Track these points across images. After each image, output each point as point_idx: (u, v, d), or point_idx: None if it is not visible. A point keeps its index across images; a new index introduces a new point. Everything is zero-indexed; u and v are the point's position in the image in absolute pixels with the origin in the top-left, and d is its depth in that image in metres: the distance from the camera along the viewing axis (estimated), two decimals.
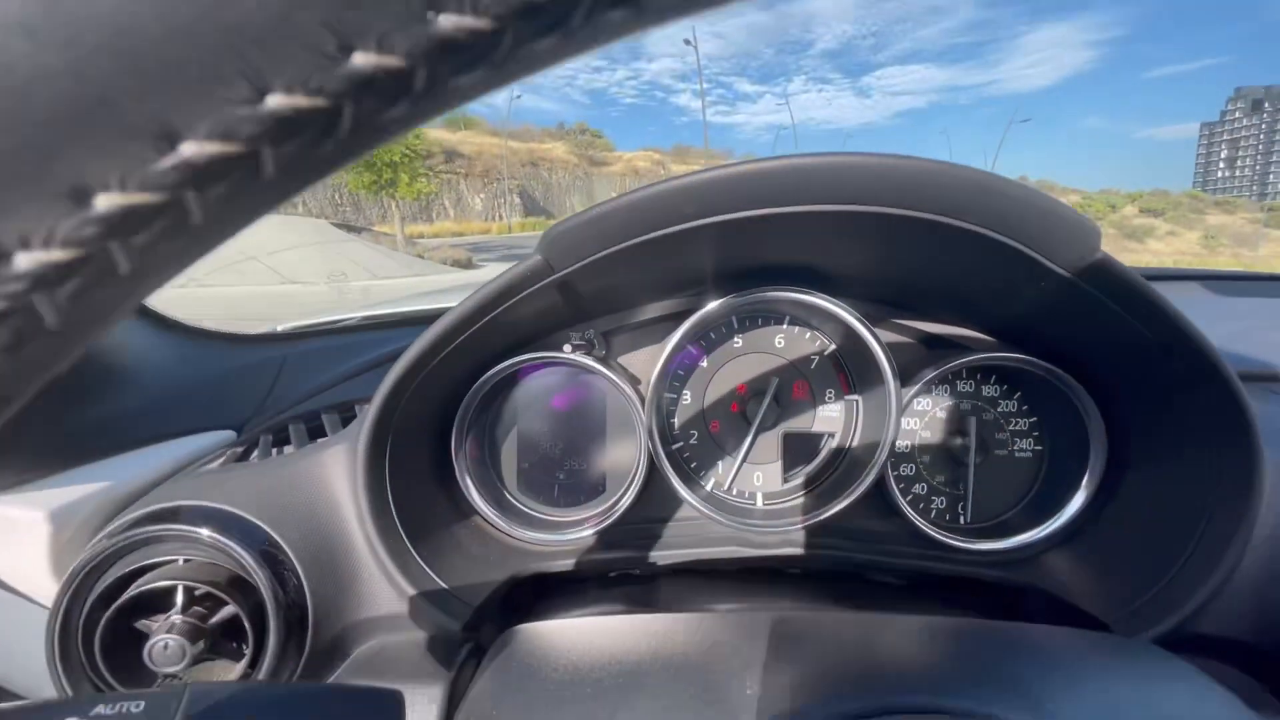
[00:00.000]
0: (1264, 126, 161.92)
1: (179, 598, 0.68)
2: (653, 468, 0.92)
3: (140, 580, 0.68)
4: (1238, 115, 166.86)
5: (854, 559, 0.92)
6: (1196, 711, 0.51)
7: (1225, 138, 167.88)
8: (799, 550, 0.92)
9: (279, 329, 1.37)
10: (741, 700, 0.50)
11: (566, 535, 0.93)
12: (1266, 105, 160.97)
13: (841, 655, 0.56)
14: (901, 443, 0.98)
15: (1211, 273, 1.71)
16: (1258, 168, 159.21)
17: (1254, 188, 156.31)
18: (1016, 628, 0.61)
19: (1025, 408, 0.96)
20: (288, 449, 0.90)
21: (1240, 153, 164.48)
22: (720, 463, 1.00)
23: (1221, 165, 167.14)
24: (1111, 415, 0.85)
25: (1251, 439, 0.67)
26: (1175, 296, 0.66)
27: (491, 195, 55.52)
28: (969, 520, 0.96)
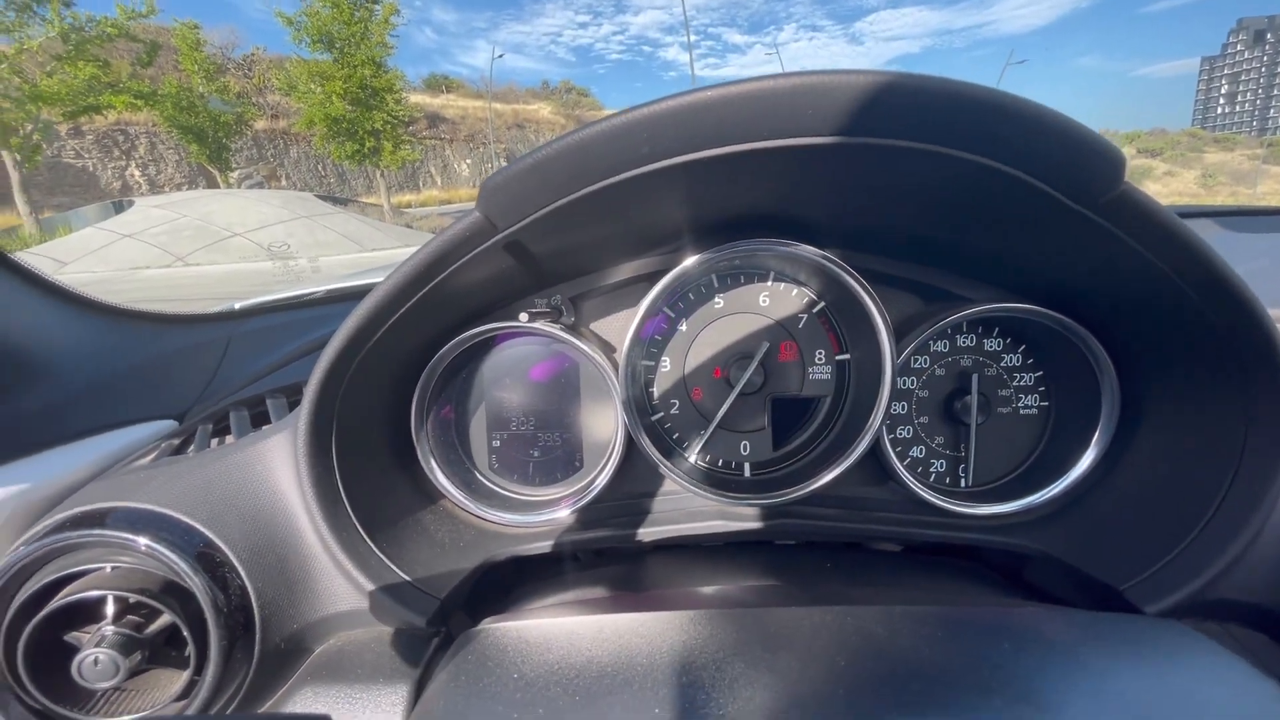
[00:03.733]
0: (1266, 59, 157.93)
1: (109, 608, 0.62)
2: (631, 441, 0.85)
3: (65, 590, 0.62)
4: (1239, 48, 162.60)
5: (848, 529, 0.87)
6: (1213, 690, 0.46)
7: (1226, 72, 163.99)
8: (790, 522, 0.87)
9: (236, 306, 1.28)
10: (708, 711, 0.44)
11: (542, 515, 0.87)
12: (1269, 37, 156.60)
13: (820, 660, 0.50)
14: (898, 404, 0.92)
15: (1225, 209, 1.62)
16: (1259, 102, 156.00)
17: (1254, 123, 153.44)
18: (1003, 613, 0.55)
19: (1030, 361, 0.89)
20: (229, 439, 0.83)
21: (1241, 87, 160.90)
22: (705, 432, 0.93)
23: (1222, 101, 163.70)
24: (1124, 366, 0.78)
25: None
26: None
27: (478, 160, 54.28)
28: (970, 483, 0.90)
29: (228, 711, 0.64)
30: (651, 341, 0.91)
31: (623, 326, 0.89)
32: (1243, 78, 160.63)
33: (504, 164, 0.60)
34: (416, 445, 0.85)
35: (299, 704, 0.65)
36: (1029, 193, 0.57)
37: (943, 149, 0.54)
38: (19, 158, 20.30)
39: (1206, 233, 1.48)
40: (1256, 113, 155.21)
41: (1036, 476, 0.86)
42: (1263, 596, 0.67)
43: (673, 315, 0.90)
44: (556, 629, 0.60)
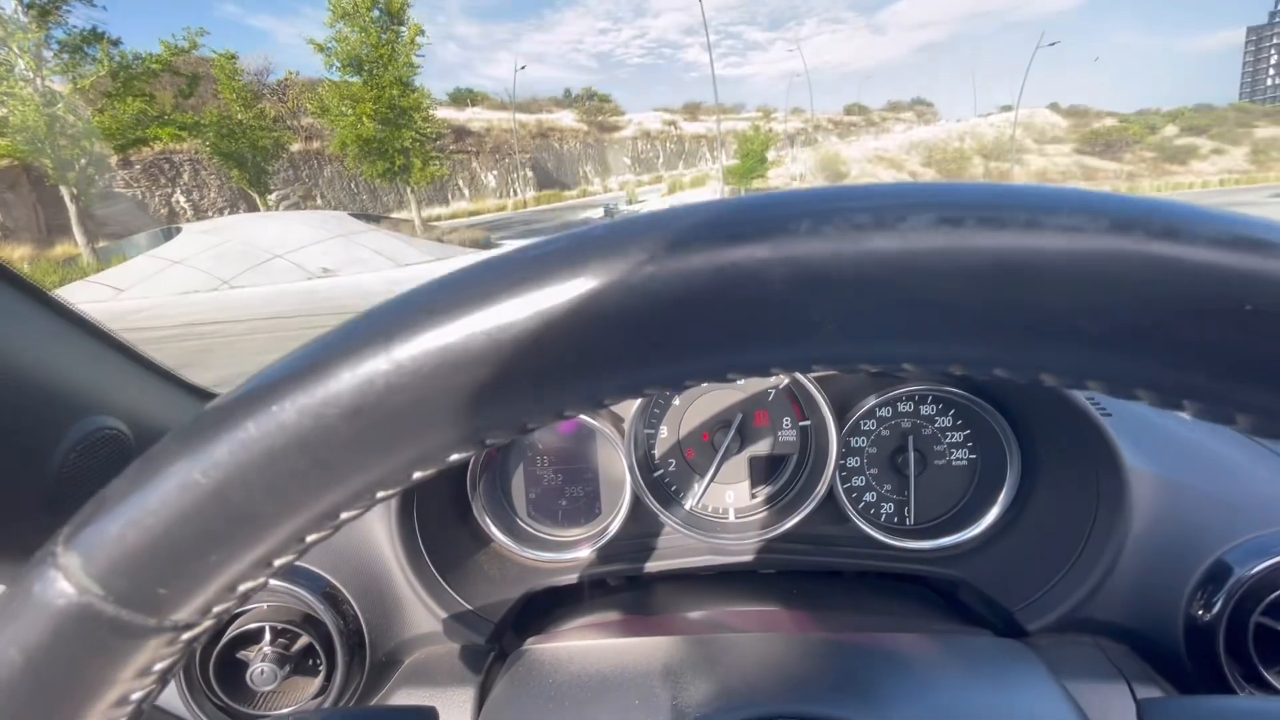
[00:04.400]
0: None
1: (267, 634, 0.89)
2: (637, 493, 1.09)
3: (235, 623, 0.89)
4: None
5: (815, 561, 1.09)
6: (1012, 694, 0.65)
7: (1275, 40, 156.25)
8: (769, 556, 1.09)
9: None
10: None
11: (569, 554, 1.11)
12: None
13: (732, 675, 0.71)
14: (853, 458, 1.13)
15: None
16: None
17: None
18: (902, 639, 0.76)
19: (959, 422, 1.10)
20: None
21: None
22: (697, 485, 1.16)
23: (1271, 72, 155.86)
24: (1022, 435, 0.99)
25: (1119, 469, 0.81)
26: None
27: (504, 171, 55.28)
28: (914, 522, 1.11)
29: (351, 704, 0.89)
30: (651, 414, 1.14)
31: (629, 401, 1.12)
32: None
33: (530, 174, 0.84)
34: (471, 503, 1.10)
35: (397, 701, 0.90)
36: None
37: None
38: (75, 191, 21.55)
39: None
40: None
41: (963, 518, 1.06)
42: (1121, 615, 0.87)
43: (667, 392, 1.13)
44: (588, 649, 0.83)
